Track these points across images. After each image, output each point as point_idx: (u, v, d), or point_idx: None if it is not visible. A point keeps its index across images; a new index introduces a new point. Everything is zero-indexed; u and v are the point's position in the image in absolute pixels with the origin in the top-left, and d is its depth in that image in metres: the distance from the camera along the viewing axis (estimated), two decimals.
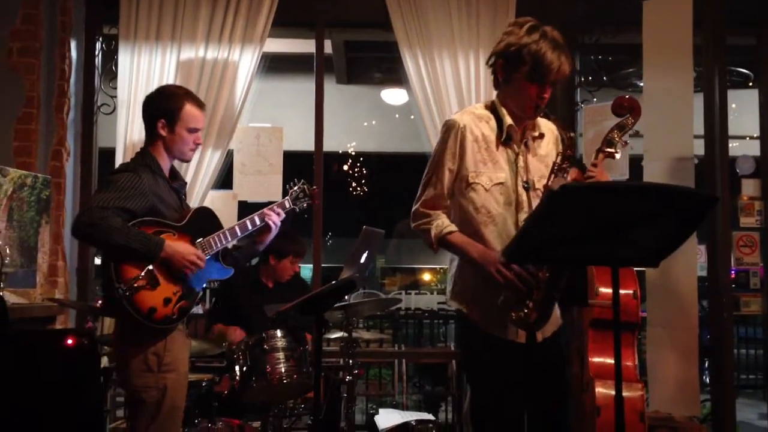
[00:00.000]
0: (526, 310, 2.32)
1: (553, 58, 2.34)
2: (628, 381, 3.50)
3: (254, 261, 4.19)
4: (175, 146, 2.81)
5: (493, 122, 2.50)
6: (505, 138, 2.48)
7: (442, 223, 2.49)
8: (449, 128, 2.50)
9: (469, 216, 2.48)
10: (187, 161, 3.02)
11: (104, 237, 2.56)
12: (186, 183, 3.10)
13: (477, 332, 2.49)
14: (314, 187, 3.20)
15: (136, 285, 2.59)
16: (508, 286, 2.34)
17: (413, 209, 2.55)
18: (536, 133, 2.52)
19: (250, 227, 2.97)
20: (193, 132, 2.82)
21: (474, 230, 2.47)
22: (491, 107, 2.53)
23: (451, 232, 2.46)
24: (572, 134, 2.44)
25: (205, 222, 2.87)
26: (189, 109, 2.81)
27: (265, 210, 3.01)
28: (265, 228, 2.99)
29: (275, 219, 2.99)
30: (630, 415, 3.32)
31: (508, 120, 2.47)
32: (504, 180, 2.46)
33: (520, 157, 2.49)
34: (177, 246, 2.69)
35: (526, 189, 2.48)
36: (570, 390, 2.64)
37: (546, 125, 2.58)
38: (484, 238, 2.44)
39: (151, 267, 2.63)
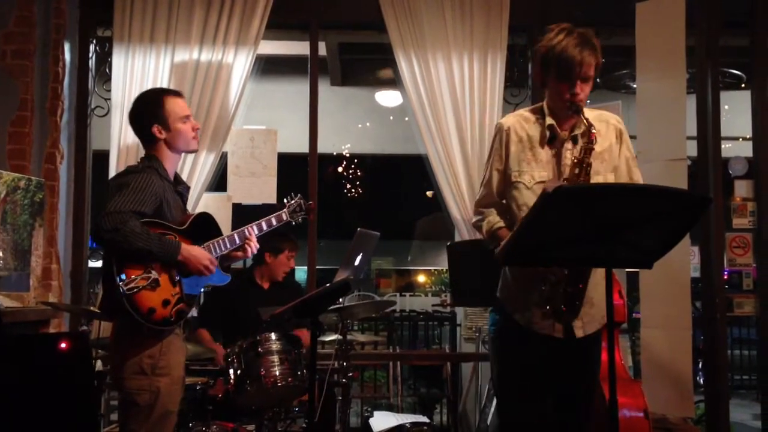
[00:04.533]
0: (559, 304, 2.40)
1: (574, 53, 2.41)
2: (627, 380, 3.51)
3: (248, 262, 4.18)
4: (178, 141, 2.84)
5: (539, 122, 2.57)
6: (549, 137, 2.53)
7: (493, 219, 2.60)
8: (497, 131, 2.62)
9: (513, 213, 2.56)
10: (195, 151, 3.07)
11: (125, 242, 2.57)
12: (189, 187, 3.12)
13: (514, 326, 2.53)
14: (310, 202, 3.25)
15: (137, 285, 2.59)
16: (549, 275, 2.39)
17: (474, 208, 2.72)
18: (581, 130, 2.52)
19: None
20: (186, 120, 2.85)
21: None
22: (539, 109, 2.60)
23: (500, 228, 2.57)
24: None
25: (205, 227, 2.89)
26: (169, 100, 2.84)
27: (268, 217, 3.03)
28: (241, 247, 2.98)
29: (253, 241, 2.98)
30: (636, 413, 3.33)
31: (549, 120, 2.53)
32: (546, 178, 2.50)
33: (566, 155, 2.51)
34: (193, 249, 2.73)
35: None
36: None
37: (601, 118, 2.60)
38: None
39: (152, 267, 2.64)
